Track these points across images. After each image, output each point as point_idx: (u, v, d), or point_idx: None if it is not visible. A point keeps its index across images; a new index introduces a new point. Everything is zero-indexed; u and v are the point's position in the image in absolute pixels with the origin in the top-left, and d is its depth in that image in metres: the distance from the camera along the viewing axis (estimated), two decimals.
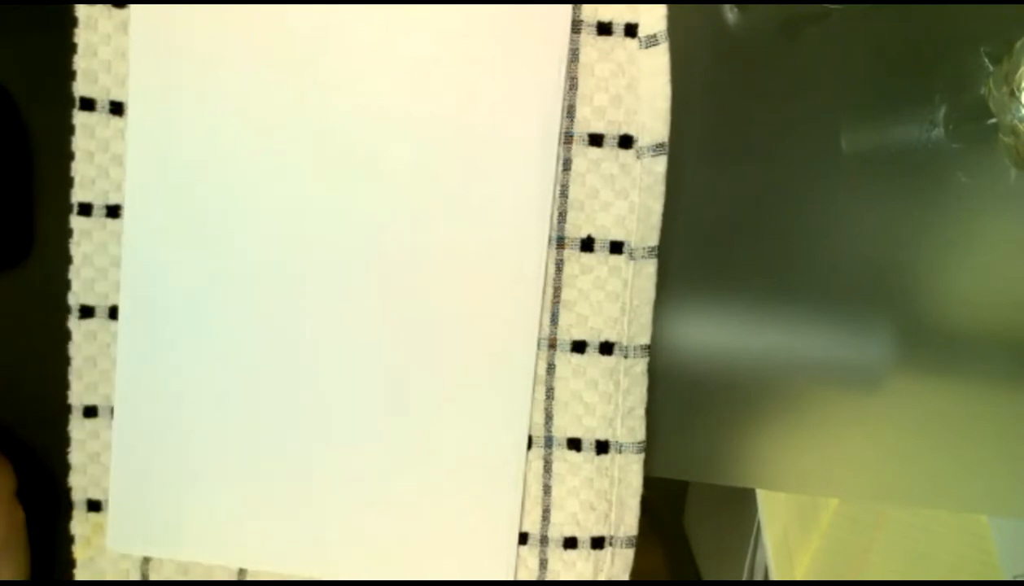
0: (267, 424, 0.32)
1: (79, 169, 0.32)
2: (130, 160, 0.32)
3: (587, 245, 0.32)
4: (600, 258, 0.32)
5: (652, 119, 0.31)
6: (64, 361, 0.32)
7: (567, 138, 0.32)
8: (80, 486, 0.33)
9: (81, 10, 0.31)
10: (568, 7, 0.31)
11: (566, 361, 0.32)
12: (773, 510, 0.39)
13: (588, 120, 0.32)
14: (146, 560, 0.33)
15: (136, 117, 0.32)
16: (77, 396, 0.33)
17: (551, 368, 0.32)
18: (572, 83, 0.31)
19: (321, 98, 0.31)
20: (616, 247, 0.32)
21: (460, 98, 0.31)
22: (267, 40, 0.31)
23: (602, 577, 0.33)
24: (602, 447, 0.32)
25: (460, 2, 0.31)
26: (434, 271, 0.32)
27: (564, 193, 0.32)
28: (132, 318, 0.32)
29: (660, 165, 0.31)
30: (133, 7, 0.31)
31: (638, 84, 0.31)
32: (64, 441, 0.33)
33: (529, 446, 0.33)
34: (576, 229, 0.32)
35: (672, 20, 0.31)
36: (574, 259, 0.32)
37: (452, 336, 0.32)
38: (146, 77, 0.31)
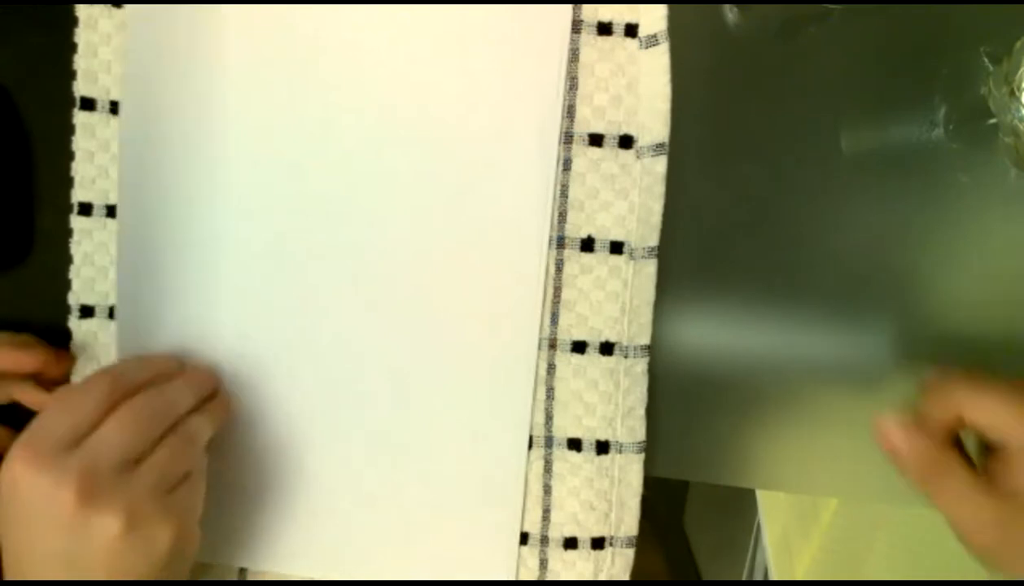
0: (267, 424, 0.32)
1: (79, 169, 0.32)
2: (123, 158, 0.31)
3: (587, 245, 0.32)
4: (600, 258, 0.32)
5: (652, 119, 0.31)
6: None
7: (567, 138, 0.32)
8: None
9: (81, 10, 0.31)
10: (568, 7, 0.31)
11: (566, 361, 0.32)
12: (773, 510, 0.39)
13: (588, 120, 0.32)
14: None
15: (129, 115, 0.31)
16: None
17: (551, 368, 0.32)
18: (572, 83, 0.31)
19: (321, 98, 0.31)
20: (616, 247, 0.32)
21: (460, 98, 0.31)
22: (267, 40, 0.31)
23: (602, 577, 0.33)
24: (602, 447, 0.32)
25: (460, 2, 0.31)
26: (434, 271, 0.32)
27: (564, 193, 0.32)
28: (132, 317, 0.32)
29: (660, 165, 0.31)
30: (129, 7, 0.31)
31: (638, 84, 0.31)
32: None
33: (530, 446, 0.33)
34: (576, 229, 0.32)
35: (672, 20, 0.31)
36: (574, 259, 0.32)
37: (452, 336, 0.32)
38: (143, 76, 0.31)
